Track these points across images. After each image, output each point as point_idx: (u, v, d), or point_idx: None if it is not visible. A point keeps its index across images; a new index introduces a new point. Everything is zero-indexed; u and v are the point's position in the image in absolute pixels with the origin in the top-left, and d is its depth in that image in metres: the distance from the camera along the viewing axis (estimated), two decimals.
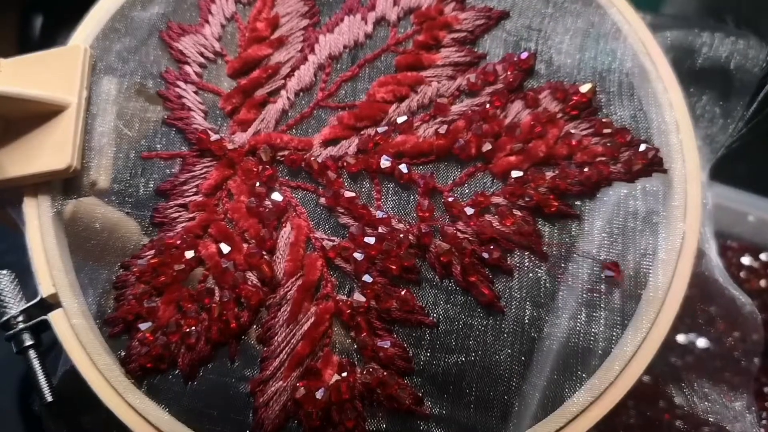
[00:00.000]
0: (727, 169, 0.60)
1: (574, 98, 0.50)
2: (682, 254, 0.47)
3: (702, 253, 0.52)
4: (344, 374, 0.44)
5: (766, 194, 0.82)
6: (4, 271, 0.48)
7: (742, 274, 0.82)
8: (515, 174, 0.49)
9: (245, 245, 0.48)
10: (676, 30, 0.59)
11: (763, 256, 0.83)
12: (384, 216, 0.48)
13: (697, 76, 0.58)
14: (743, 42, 0.59)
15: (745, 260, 0.83)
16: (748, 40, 0.59)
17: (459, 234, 0.47)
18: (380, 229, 0.47)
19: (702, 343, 0.64)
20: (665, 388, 0.60)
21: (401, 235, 0.47)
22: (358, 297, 0.46)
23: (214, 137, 0.50)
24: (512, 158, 0.49)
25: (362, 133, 0.51)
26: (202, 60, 0.54)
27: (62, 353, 0.49)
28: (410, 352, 0.45)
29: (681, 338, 0.64)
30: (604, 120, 0.50)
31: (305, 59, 0.53)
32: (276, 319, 0.46)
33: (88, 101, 0.51)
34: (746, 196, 0.82)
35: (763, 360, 0.74)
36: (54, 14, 0.89)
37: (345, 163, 0.50)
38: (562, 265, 0.47)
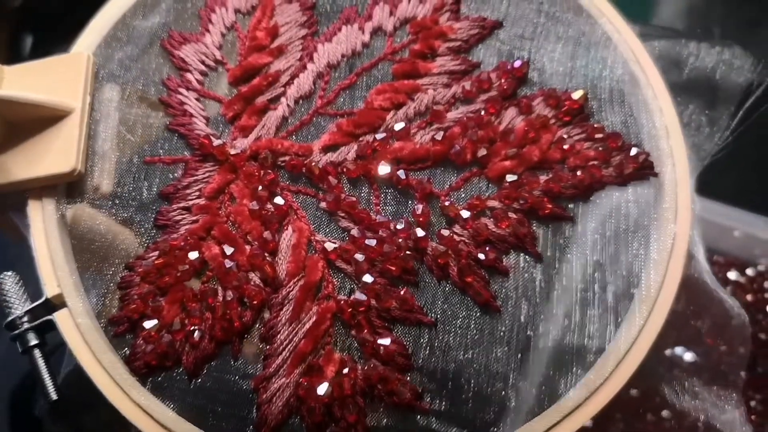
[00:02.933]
0: (713, 183, 0.61)
1: (567, 104, 0.52)
2: (673, 254, 0.48)
3: (692, 255, 0.53)
4: (346, 371, 0.45)
5: (752, 209, 0.83)
6: (9, 273, 0.49)
7: (728, 289, 0.83)
8: (510, 178, 0.50)
9: (248, 247, 0.49)
10: (664, 40, 0.60)
11: (749, 271, 0.84)
12: (383, 220, 0.49)
13: (684, 86, 0.60)
14: (729, 52, 0.61)
15: (732, 275, 0.84)
16: (734, 51, 0.61)
17: (455, 236, 0.49)
18: (380, 232, 0.48)
19: (689, 356, 0.65)
20: (653, 401, 0.61)
21: (400, 239, 0.48)
22: (358, 296, 0.47)
23: (216, 142, 0.51)
24: (507, 163, 0.50)
25: (361, 139, 0.52)
26: (203, 68, 0.55)
27: (64, 356, 0.49)
28: (410, 350, 0.46)
29: (668, 351, 0.65)
30: (596, 125, 0.52)
31: (304, 68, 0.55)
32: (278, 318, 0.47)
33: (91, 107, 0.52)
34: (732, 211, 0.83)
35: (749, 373, 0.75)
36: (44, 33, 0.90)
37: (344, 169, 0.51)
38: (557, 265, 0.48)
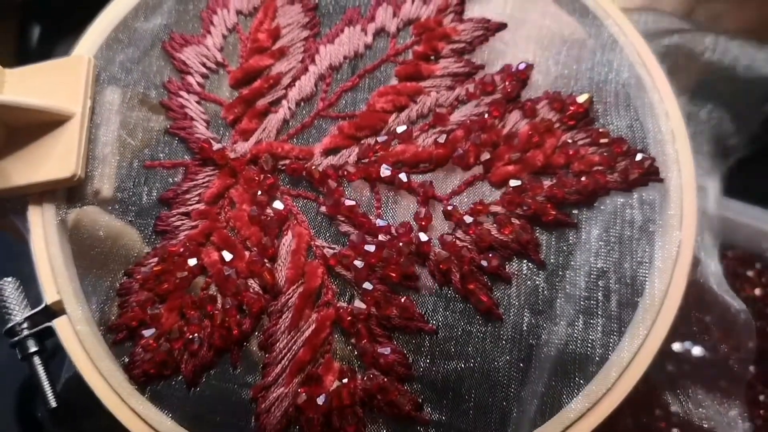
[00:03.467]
0: (722, 179, 0.60)
1: (571, 108, 0.51)
2: (678, 262, 0.48)
3: (698, 261, 0.52)
4: (345, 380, 0.45)
5: (761, 204, 0.82)
6: (9, 279, 0.49)
7: (737, 283, 0.83)
8: (513, 183, 0.49)
9: (247, 253, 0.48)
10: (681, 34, 0.59)
11: (758, 265, 0.83)
12: (384, 224, 0.48)
13: (702, 82, 0.59)
14: (750, 45, 0.59)
15: (740, 269, 0.83)
16: (754, 44, 0.59)
17: (458, 242, 0.48)
18: (380, 237, 0.48)
19: (697, 351, 0.65)
20: (661, 396, 0.61)
21: (401, 243, 0.48)
22: (358, 304, 0.47)
23: (216, 146, 0.51)
24: (510, 167, 0.50)
25: (362, 142, 0.52)
26: (204, 70, 0.54)
27: (65, 361, 0.49)
28: (410, 359, 0.46)
29: (677, 346, 0.65)
30: (600, 130, 0.51)
31: (306, 70, 0.54)
32: (277, 326, 0.47)
33: (92, 111, 0.52)
34: (741, 206, 0.82)
35: (758, 368, 0.75)
36: (52, 24, 0.90)
37: (345, 172, 0.50)
38: (560, 273, 0.48)
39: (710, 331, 0.62)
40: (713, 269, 0.57)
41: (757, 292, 0.81)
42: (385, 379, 0.45)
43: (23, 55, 0.88)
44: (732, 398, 0.60)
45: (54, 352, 0.49)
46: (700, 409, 0.59)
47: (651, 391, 0.62)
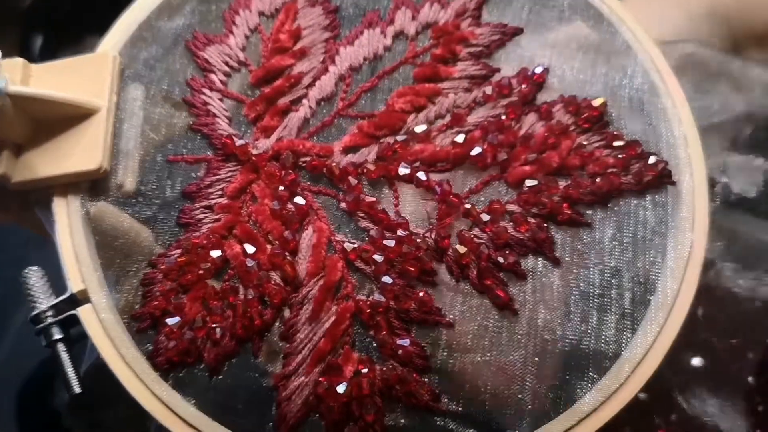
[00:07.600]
0: None
1: (586, 112, 0.52)
2: (690, 262, 0.49)
3: (709, 264, 0.53)
4: (364, 371, 0.46)
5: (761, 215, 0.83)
6: (35, 268, 0.50)
7: (738, 294, 0.83)
8: (529, 183, 0.50)
9: (269, 246, 0.49)
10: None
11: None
12: (403, 220, 0.49)
13: None
14: None
15: (741, 281, 0.84)
16: None
17: (475, 239, 0.49)
18: (399, 233, 0.49)
19: (697, 361, 0.65)
20: (661, 404, 0.62)
21: (419, 239, 0.49)
22: (377, 297, 0.48)
23: (239, 142, 0.52)
24: (526, 168, 0.51)
25: (381, 141, 0.53)
26: (226, 69, 0.55)
27: (83, 354, 0.50)
28: (428, 351, 0.47)
29: (677, 356, 0.65)
30: (615, 133, 0.52)
31: (326, 70, 0.55)
32: (298, 317, 0.47)
33: (116, 106, 0.52)
34: (741, 215, 0.83)
35: (757, 379, 0.75)
36: (54, 34, 0.90)
37: (365, 170, 0.51)
38: (574, 270, 0.49)
39: (711, 341, 0.63)
40: (719, 269, 0.58)
41: (757, 304, 0.82)
42: (404, 370, 0.46)
43: None
44: (732, 408, 0.60)
45: (72, 344, 0.50)
46: (700, 419, 0.59)
47: (651, 399, 0.63)
